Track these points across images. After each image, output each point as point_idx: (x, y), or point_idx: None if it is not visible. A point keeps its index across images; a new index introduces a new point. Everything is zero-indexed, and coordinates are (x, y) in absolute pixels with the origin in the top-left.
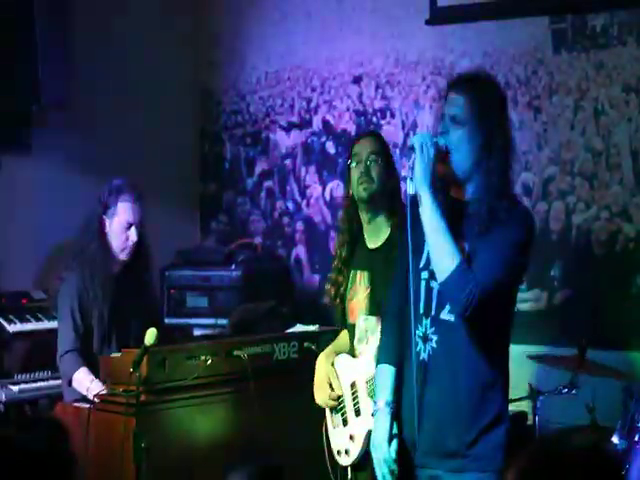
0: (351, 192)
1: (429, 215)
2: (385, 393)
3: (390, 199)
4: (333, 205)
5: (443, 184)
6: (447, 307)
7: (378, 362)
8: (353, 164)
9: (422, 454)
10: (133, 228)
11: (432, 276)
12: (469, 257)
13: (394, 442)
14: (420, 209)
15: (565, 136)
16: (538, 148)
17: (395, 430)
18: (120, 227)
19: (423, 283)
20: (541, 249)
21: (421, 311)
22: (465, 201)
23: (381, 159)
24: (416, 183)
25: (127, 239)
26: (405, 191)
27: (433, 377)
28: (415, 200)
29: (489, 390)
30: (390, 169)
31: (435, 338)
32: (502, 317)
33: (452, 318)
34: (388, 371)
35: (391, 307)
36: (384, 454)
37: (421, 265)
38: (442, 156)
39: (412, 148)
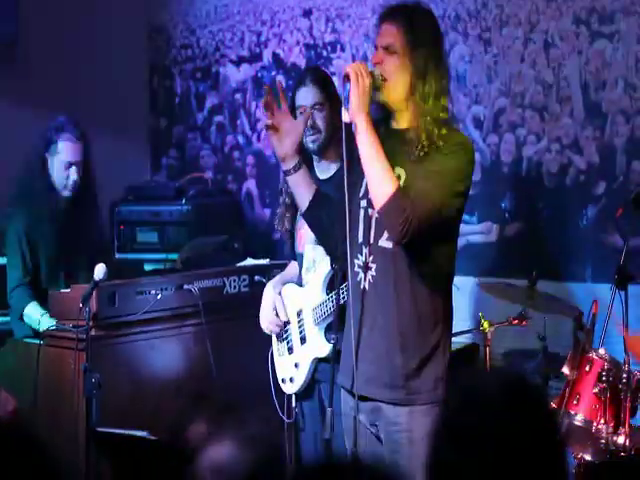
0: None
1: (365, 143)
2: None
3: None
4: None
5: (381, 113)
6: (385, 234)
7: None
8: (298, 114)
9: (362, 384)
10: (74, 167)
11: (370, 204)
12: (407, 184)
13: None
14: (356, 137)
15: (515, 68)
16: (488, 81)
17: None
18: (61, 165)
19: (362, 211)
20: (492, 182)
21: (360, 240)
22: (402, 129)
23: (327, 106)
24: (352, 112)
25: (68, 177)
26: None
27: (373, 305)
28: (351, 129)
29: (429, 320)
30: (338, 112)
31: (374, 266)
32: (443, 246)
33: (390, 245)
34: None
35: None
36: None
37: (360, 194)
38: (378, 85)
39: (347, 77)
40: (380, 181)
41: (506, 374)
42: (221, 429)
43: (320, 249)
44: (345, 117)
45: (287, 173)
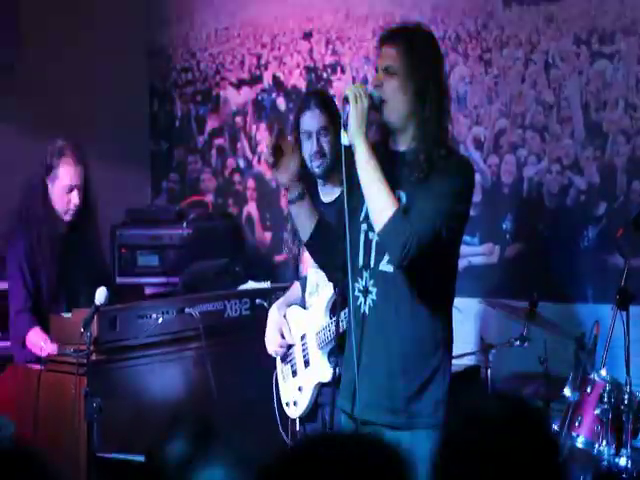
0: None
1: (364, 165)
2: None
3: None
4: None
5: (381, 134)
6: (386, 258)
7: None
8: (303, 139)
9: (363, 409)
10: (75, 191)
11: (371, 228)
12: (407, 207)
13: None
14: (356, 159)
15: (516, 89)
16: (489, 101)
17: None
18: (62, 190)
19: (362, 235)
20: (493, 203)
21: (361, 264)
22: (402, 151)
23: (332, 130)
24: (350, 134)
25: (69, 202)
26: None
27: (374, 330)
28: (350, 152)
29: (429, 342)
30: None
31: (375, 290)
32: (443, 269)
33: (391, 269)
34: None
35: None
36: None
37: (361, 218)
38: (378, 107)
39: (346, 100)
40: (380, 203)
41: (507, 396)
42: (202, 450)
43: (323, 273)
44: (344, 140)
45: (290, 202)
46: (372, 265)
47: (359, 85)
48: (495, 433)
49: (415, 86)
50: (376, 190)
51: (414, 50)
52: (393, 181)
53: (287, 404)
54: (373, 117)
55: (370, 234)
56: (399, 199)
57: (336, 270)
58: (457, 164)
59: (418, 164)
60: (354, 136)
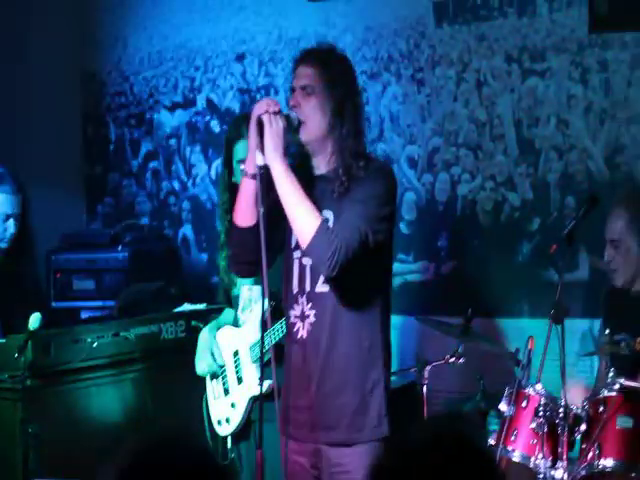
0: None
1: (283, 183)
2: None
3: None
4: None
5: (301, 160)
6: (321, 280)
7: None
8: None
9: (305, 432)
10: (11, 220)
11: (304, 254)
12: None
13: None
14: (274, 179)
15: (449, 108)
16: (422, 120)
17: None
18: None
19: (296, 262)
20: (427, 220)
21: (295, 290)
22: (323, 173)
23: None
24: (267, 154)
25: (5, 230)
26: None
27: (313, 351)
28: (267, 172)
29: (368, 355)
30: None
31: (313, 312)
32: (376, 280)
33: (327, 289)
34: None
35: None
36: None
37: (292, 245)
38: (294, 128)
39: (260, 123)
40: (303, 219)
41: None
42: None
43: (257, 289)
44: (259, 160)
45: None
46: (308, 289)
47: (268, 100)
48: (418, 461)
49: (333, 104)
50: (297, 207)
51: (330, 69)
52: (320, 203)
53: (219, 422)
54: (291, 136)
55: (304, 260)
56: (327, 220)
57: (256, 269)
58: (374, 170)
59: (338, 179)
60: (270, 156)
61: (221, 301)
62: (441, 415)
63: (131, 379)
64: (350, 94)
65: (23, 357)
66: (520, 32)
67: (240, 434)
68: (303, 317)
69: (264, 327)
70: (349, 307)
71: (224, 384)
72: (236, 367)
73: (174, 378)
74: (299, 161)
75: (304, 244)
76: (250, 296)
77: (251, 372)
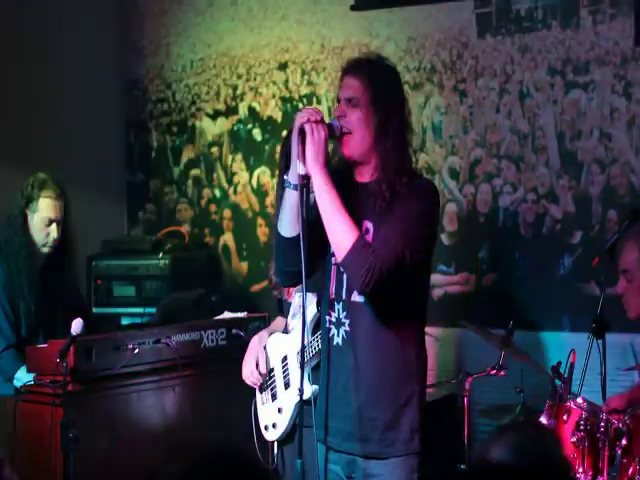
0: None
1: (322, 195)
2: None
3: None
4: (260, 192)
5: (346, 166)
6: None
7: None
8: None
9: (339, 440)
10: (54, 224)
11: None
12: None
13: None
14: (314, 189)
15: (491, 119)
16: (464, 131)
17: None
18: (41, 223)
19: (334, 268)
20: (469, 232)
21: (332, 296)
22: (365, 183)
23: None
24: (307, 164)
25: (48, 235)
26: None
27: (347, 360)
28: (307, 182)
29: (402, 371)
30: None
31: (348, 322)
32: (413, 296)
33: (362, 299)
34: None
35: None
36: None
37: (332, 250)
38: (337, 137)
39: (302, 131)
40: (340, 232)
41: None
42: None
43: (308, 296)
44: (300, 169)
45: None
46: (344, 297)
47: (312, 108)
48: None
49: (378, 118)
50: (336, 219)
51: (377, 81)
52: (359, 212)
53: (266, 427)
54: (335, 147)
55: (341, 266)
56: (367, 230)
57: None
58: (418, 187)
59: (381, 194)
60: (311, 166)
61: (271, 307)
62: (529, 430)
63: (172, 386)
64: (396, 108)
65: (65, 362)
66: (563, 44)
67: (285, 439)
68: (339, 324)
69: (304, 333)
70: (384, 320)
71: (272, 390)
72: (284, 372)
73: (214, 385)
74: (343, 166)
75: (339, 257)
76: (300, 303)
77: (299, 376)
